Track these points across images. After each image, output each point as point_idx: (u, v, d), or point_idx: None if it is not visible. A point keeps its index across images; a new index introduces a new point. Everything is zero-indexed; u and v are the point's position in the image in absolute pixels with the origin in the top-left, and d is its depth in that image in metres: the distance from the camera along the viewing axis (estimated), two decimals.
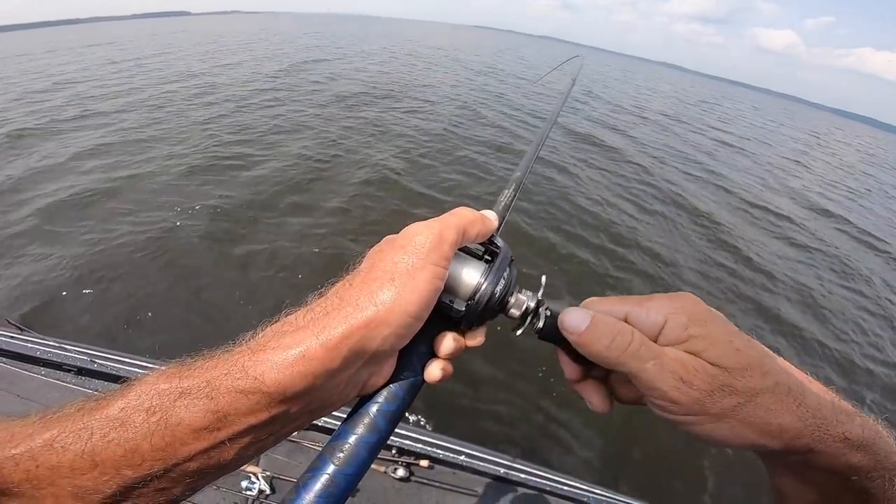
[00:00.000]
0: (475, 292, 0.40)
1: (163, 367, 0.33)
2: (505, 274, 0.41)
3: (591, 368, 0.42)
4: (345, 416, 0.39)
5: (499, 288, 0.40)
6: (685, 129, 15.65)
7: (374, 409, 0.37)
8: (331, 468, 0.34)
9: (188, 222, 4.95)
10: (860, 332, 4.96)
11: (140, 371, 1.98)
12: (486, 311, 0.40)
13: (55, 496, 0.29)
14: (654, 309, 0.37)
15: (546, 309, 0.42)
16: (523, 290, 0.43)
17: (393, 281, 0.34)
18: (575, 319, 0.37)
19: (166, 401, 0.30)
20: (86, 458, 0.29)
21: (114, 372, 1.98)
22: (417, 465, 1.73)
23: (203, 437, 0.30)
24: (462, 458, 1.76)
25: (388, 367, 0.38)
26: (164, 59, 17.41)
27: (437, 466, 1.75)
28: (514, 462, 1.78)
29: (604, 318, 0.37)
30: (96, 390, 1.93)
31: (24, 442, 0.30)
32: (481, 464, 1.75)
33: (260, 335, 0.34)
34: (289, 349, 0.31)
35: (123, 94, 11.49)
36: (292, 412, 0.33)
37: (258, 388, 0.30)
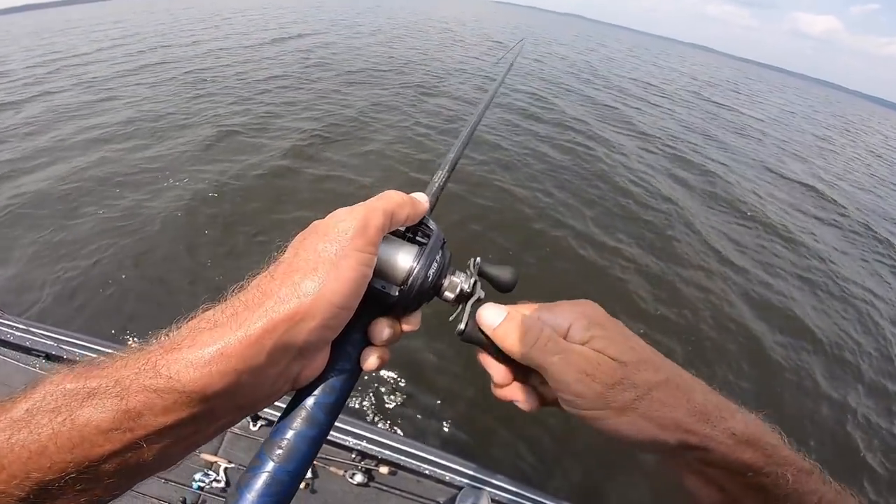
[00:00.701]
0: (408, 276, 0.39)
1: (69, 367, 0.31)
2: (438, 256, 0.41)
3: (516, 371, 0.43)
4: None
5: (431, 271, 0.40)
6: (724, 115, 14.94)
7: (310, 402, 0.36)
8: (271, 465, 0.33)
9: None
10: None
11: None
12: (421, 294, 0.40)
13: None
14: (560, 314, 0.40)
15: (474, 303, 0.43)
16: (457, 272, 0.43)
17: (316, 270, 0.33)
18: (491, 315, 0.40)
19: (73, 401, 0.29)
20: None
21: (79, 358, 1.93)
22: (377, 470, 1.65)
23: (114, 437, 0.29)
24: (426, 467, 1.67)
25: (322, 359, 0.37)
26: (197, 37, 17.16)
27: (399, 472, 1.67)
28: (481, 474, 1.68)
29: (517, 314, 0.40)
30: None
31: None
32: (448, 474, 1.66)
33: (175, 333, 0.33)
34: (205, 346, 0.30)
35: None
36: (217, 411, 0.32)
37: (172, 387, 0.29)
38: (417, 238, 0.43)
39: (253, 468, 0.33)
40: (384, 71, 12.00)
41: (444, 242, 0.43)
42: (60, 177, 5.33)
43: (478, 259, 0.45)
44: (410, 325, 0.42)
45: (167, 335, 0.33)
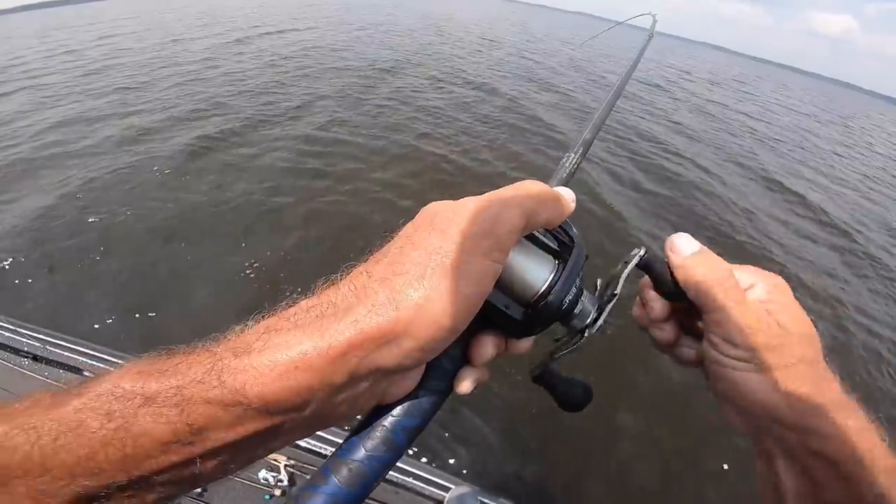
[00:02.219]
0: (540, 298, 0.32)
1: (130, 362, 0.28)
2: (578, 279, 0.34)
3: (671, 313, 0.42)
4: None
5: (569, 297, 0.33)
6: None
7: (392, 422, 0.32)
8: (334, 487, 0.29)
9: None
10: None
11: (96, 363, 1.94)
12: (548, 320, 0.33)
13: (10, 496, 0.25)
14: (748, 272, 0.40)
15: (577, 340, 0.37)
16: (587, 295, 0.37)
17: (424, 277, 0.27)
18: (685, 243, 0.39)
19: (128, 406, 0.26)
20: (35, 462, 0.25)
21: (66, 361, 1.93)
22: None
23: (173, 450, 0.26)
24: (409, 479, 1.65)
25: (414, 378, 0.32)
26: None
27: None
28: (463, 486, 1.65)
29: (709, 252, 0.39)
30: (48, 377, 1.89)
31: None
32: (428, 487, 1.63)
33: (249, 330, 0.29)
34: (277, 353, 0.26)
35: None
36: (285, 426, 0.28)
37: (238, 401, 0.26)
38: (550, 244, 0.35)
39: (314, 486, 0.29)
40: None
41: (587, 258, 0.35)
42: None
43: (640, 254, 0.39)
44: (519, 348, 0.36)
45: (242, 330, 0.29)
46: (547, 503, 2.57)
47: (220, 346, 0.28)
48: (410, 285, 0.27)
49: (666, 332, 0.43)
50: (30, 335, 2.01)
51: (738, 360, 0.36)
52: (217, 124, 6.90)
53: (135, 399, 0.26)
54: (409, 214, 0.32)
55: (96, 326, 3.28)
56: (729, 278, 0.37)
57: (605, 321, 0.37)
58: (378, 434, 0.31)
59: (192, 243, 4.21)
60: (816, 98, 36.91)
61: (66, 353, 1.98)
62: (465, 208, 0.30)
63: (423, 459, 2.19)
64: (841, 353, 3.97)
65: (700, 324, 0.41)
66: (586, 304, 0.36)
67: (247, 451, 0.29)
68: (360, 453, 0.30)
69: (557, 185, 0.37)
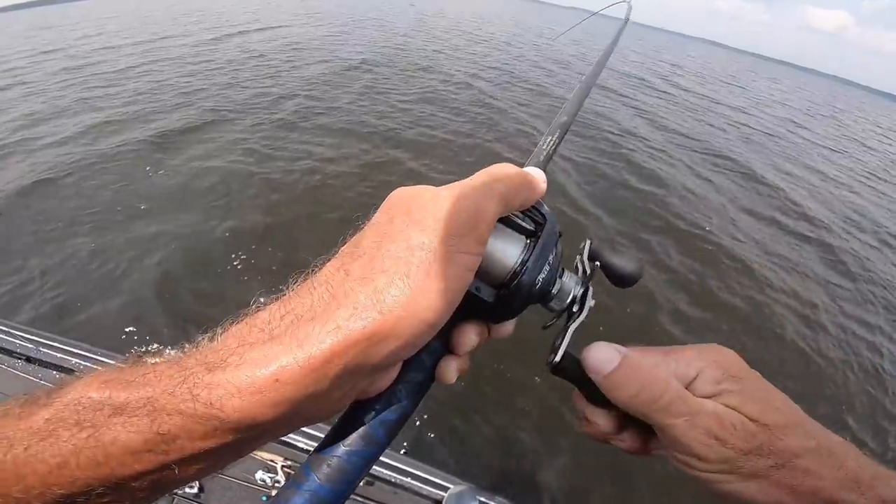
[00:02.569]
0: (512, 278, 0.31)
1: (94, 373, 0.28)
2: (552, 255, 0.33)
3: (620, 417, 0.37)
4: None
5: (542, 275, 0.32)
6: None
7: (371, 417, 0.31)
8: (315, 484, 0.29)
9: None
10: None
11: (90, 364, 1.93)
12: (524, 301, 0.32)
13: None
14: (684, 361, 0.34)
15: (577, 327, 0.35)
16: (567, 274, 0.35)
17: (407, 276, 0.26)
18: (601, 357, 0.33)
19: (98, 415, 0.25)
20: (8, 471, 0.25)
21: (59, 362, 1.92)
22: None
23: (145, 459, 0.25)
24: (408, 479, 1.63)
25: (393, 372, 0.31)
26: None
27: (376, 483, 1.63)
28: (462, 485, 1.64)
29: (636, 362, 0.33)
30: (41, 378, 1.88)
31: None
32: (426, 487, 1.62)
33: (220, 339, 0.28)
34: (256, 368, 0.25)
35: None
36: (263, 436, 0.27)
37: (213, 415, 0.25)
38: (524, 224, 0.34)
39: (296, 484, 0.29)
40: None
41: (560, 235, 0.34)
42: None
43: (591, 243, 0.37)
44: (501, 332, 0.35)
45: (210, 340, 0.28)
46: (545, 500, 2.57)
47: (190, 359, 0.27)
48: (393, 284, 0.26)
49: (629, 442, 0.38)
50: (23, 337, 1.98)
51: (713, 472, 0.32)
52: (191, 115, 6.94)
53: (104, 408, 0.25)
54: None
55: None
56: (664, 393, 0.32)
57: (590, 306, 0.35)
58: (357, 430, 0.31)
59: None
60: (811, 94, 36.95)
61: (59, 355, 1.96)
62: (442, 198, 0.28)
63: (422, 459, 2.18)
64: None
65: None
66: (565, 283, 0.34)
67: (226, 456, 0.28)
68: (340, 449, 0.30)
69: (529, 167, 0.36)
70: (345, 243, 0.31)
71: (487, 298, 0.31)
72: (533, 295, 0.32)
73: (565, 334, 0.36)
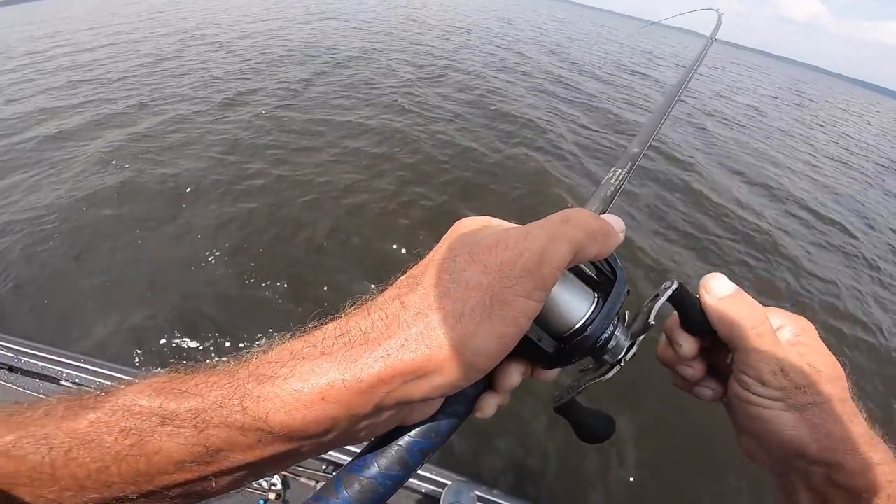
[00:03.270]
0: (576, 333, 0.31)
1: (147, 378, 0.28)
2: (616, 314, 0.32)
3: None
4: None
5: (606, 334, 0.32)
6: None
7: (408, 442, 0.31)
8: (345, 501, 0.29)
9: None
10: None
11: (72, 371, 1.88)
12: (581, 355, 0.32)
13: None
14: (777, 314, 0.41)
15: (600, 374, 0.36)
16: (621, 329, 0.35)
17: (462, 316, 0.26)
18: (721, 284, 0.38)
19: (145, 424, 0.26)
20: (45, 472, 0.25)
21: (41, 371, 1.86)
22: None
23: (187, 469, 0.26)
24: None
25: (436, 403, 0.31)
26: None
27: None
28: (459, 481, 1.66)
29: (744, 294, 0.38)
30: (24, 388, 1.82)
31: None
32: (425, 484, 1.63)
33: (273, 352, 0.28)
34: (304, 382, 0.26)
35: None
36: (303, 450, 0.28)
37: (259, 428, 0.26)
38: (594, 275, 0.33)
39: (325, 499, 0.29)
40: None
41: (628, 293, 0.33)
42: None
43: (675, 288, 0.36)
44: (545, 377, 0.35)
45: (264, 352, 0.28)
46: (543, 495, 2.62)
47: (241, 369, 0.27)
48: (447, 323, 0.26)
49: (694, 370, 0.42)
50: (3, 346, 1.92)
51: (769, 398, 0.37)
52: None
53: (152, 418, 0.26)
54: None
55: None
56: (764, 321, 0.38)
57: (634, 354, 0.35)
58: (393, 453, 0.31)
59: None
60: (783, 81, 37.66)
61: (41, 364, 1.90)
62: (508, 237, 0.28)
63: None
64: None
65: (724, 361, 0.41)
66: (619, 337, 0.34)
67: (261, 470, 0.28)
68: (374, 470, 0.30)
69: (600, 205, 0.38)
70: (404, 273, 0.31)
71: (547, 349, 0.31)
72: (591, 350, 0.32)
73: (579, 385, 0.36)
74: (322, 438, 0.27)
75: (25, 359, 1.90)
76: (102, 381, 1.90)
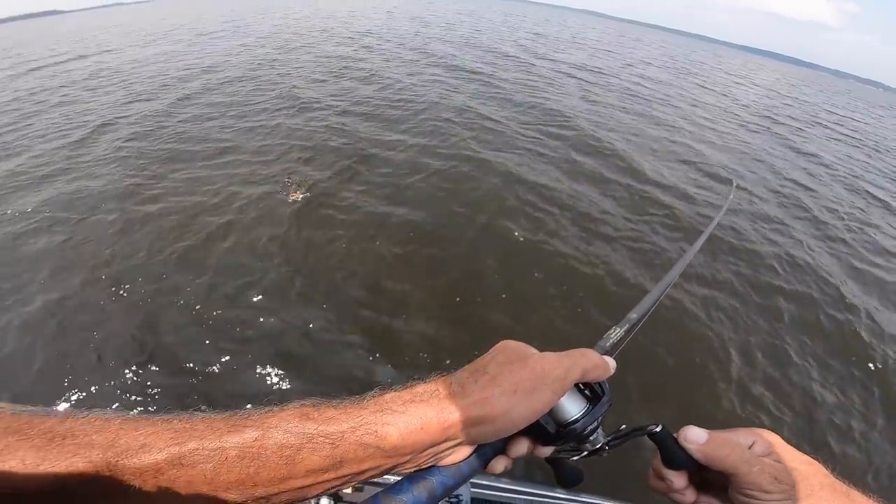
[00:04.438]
0: (569, 425, 0.45)
1: (293, 406, 0.37)
2: (598, 419, 0.46)
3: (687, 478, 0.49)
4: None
5: (590, 428, 0.46)
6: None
7: (437, 477, 0.42)
8: None
9: None
10: None
11: None
12: (568, 440, 0.46)
13: (164, 501, 0.32)
14: (744, 435, 0.48)
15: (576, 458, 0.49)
16: (600, 432, 0.48)
17: (514, 393, 0.40)
18: (697, 434, 0.46)
19: (299, 441, 0.35)
20: (206, 477, 0.33)
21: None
22: (341, 490, 1.58)
23: (314, 476, 0.36)
24: (392, 478, 1.62)
25: (466, 452, 0.43)
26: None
27: (365, 488, 1.62)
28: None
29: (719, 435, 0.46)
30: None
31: (152, 452, 0.32)
32: None
33: (387, 396, 0.40)
34: (413, 416, 0.38)
35: None
36: (388, 467, 0.39)
37: (376, 444, 0.37)
38: (586, 392, 0.48)
39: None
40: None
41: (610, 405, 0.48)
42: None
43: (661, 429, 0.47)
44: (542, 453, 0.48)
45: (380, 394, 0.40)
46: (536, 478, 2.66)
47: (368, 405, 0.39)
48: (503, 395, 0.40)
49: (687, 497, 0.49)
50: None
51: (776, 500, 0.43)
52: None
53: (303, 436, 0.35)
54: None
55: None
56: (744, 451, 0.45)
57: (603, 453, 0.49)
58: (425, 484, 0.41)
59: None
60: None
61: None
62: (549, 358, 0.43)
63: None
64: None
65: (712, 476, 0.48)
66: (599, 436, 0.48)
67: (352, 481, 0.39)
68: (409, 495, 0.40)
69: (604, 354, 0.50)
70: (470, 363, 0.45)
71: (548, 429, 0.44)
72: (577, 437, 0.46)
73: (558, 453, 0.49)
74: (406, 457, 0.39)
75: None
76: None
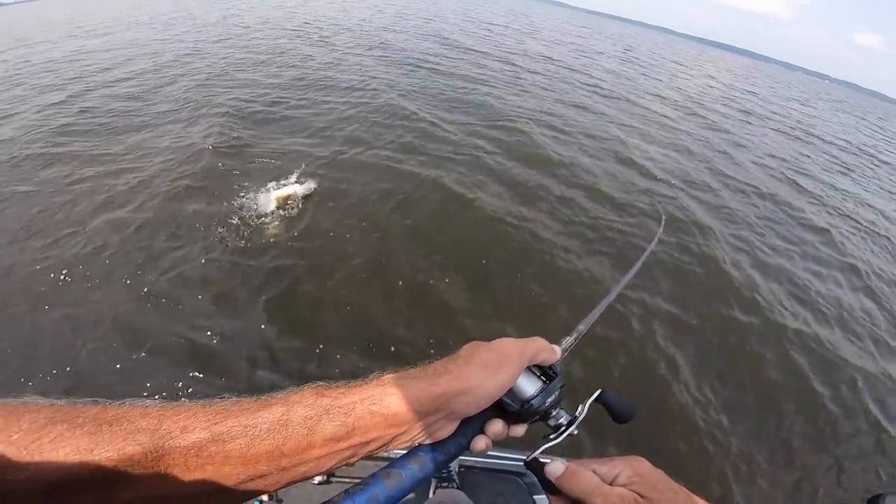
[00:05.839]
0: (528, 400, 0.51)
1: (312, 385, 0.43)
2: (554, 395, 0.53)
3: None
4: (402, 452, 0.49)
5: (546, 403, 0.52)
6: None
7: (428, 452, 0.48)
8: (379, 487, 0.43)
9: None
10: None
11: None
12: (532, 416, 0.52)
13: (223, 472, 0.36)
14: (612, 466, 0.50)
15: (549, 443, 0.54)
16: (561, 412, 0.54)
17: (486, 368, 0.48)
18: (554, 468, 0.51)
19: (318, 412, 0.40)
20: (241, 450, 0.36)
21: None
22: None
23: (330, 445, 0.40)
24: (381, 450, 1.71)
25: (451, 428, 0.50)
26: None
27: (357, 462, 1.71)
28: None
29: (574, 468, 0.50)
30: None
31: (194, 432, 0.35)
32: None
33: (386, 376, 0.46)
34: (409, 389, 0.45)
35: None
36: (385, 436, 0.44)
37: (383, 413, 0.43)
38: (543, 376, 0.54)
39: (365, 484, 0.43)
40: None
41: (563, 385, 0.55)
42: None
43: (599, 393, 0.55)
44: (516, 432, 0.54)
45: (379, 375, 0.47)
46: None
47: (371, 382, 0.46)
48: (479, 371, 0.48)
49: None
50: None
51: None
52: None
53: (322, 408, 0.41)
54: None
55: None
56: (591, 481, 0.48)
57: (571, 432, 0.54)
58: (417, 458, 0.48)
59: None
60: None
61: None
62: (506, 343, 0.52)
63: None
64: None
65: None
66: (560, 415, 0.54)
67: (370, 446, 0.44)
68: (403, 468, 0.46)
69: (555, 345, 0.59)
70: (441, 358, 0.51)
71: (513, 406, 0.51)
72: (537, 413, 0.52)
73: (540, 447, 0.53)
74: (403, 428, 0.45)
75: None
76: None
